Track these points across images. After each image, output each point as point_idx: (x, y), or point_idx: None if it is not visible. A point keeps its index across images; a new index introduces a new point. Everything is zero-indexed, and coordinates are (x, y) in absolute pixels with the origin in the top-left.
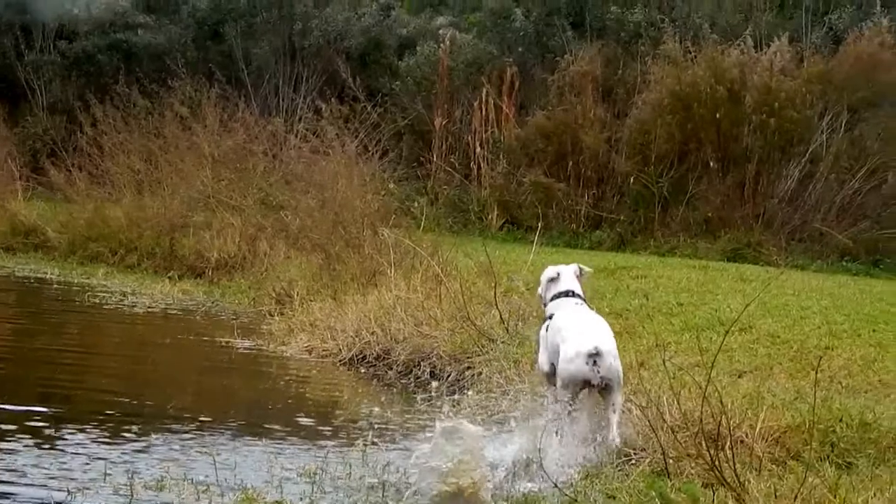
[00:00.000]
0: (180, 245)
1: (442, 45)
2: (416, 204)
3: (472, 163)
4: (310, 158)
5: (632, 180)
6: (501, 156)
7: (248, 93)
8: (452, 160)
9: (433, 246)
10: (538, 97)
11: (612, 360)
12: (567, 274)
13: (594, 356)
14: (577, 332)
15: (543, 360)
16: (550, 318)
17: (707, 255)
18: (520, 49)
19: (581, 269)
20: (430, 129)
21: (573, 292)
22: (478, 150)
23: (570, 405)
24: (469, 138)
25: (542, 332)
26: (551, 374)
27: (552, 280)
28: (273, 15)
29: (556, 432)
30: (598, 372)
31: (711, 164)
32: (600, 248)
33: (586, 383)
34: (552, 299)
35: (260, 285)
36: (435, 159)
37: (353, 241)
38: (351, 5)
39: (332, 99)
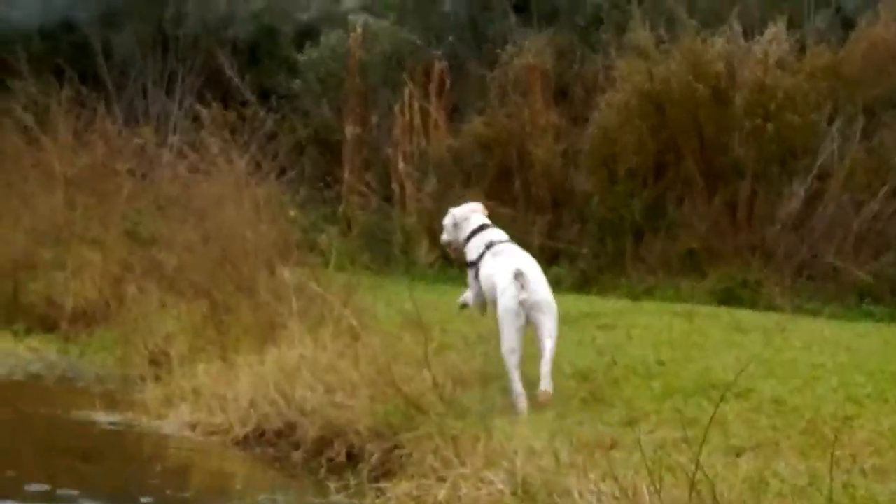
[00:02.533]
0: (26, 290)
1: (352, 33)
2: (323, 235)
3: (393, 182)
4: (188, 179)
5: (595, 202)
6: (430, 173)
7: (110, 96)
8: (368, 178)
9: (346, 290)
10: (475, 99)
11: (540, 281)
12: (471, 213)
13: (518, 276)
14: (503, 268)
15: (472, 296)
16: (475, 264)
17: (693, 296)
18: (450, 38)
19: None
20: (339, 139)
21: (486, 225)
22: (401, 165)
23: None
24: (389, 151)
25: (471, 279)
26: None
27: (457, 225)
28: None
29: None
30: (524, 289)
31: (694, 181)
32: (559, 289)
33: (521, 308)
34: (467, 240)
35: (128, 341)
36: (346, 177)
37: (244, 283)
38: None
39: (215, 103)
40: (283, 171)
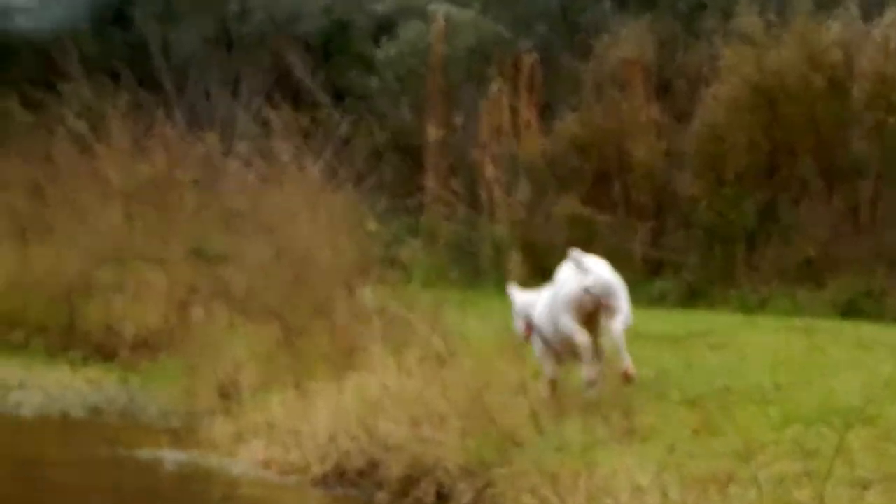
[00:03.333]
0: (82, 315)
1: (433, 25)
2: (406, 248)
3: (481, 188)
4: (257, 189)
5: (702, 207)
6: (522, 177)
7: (170, 99)
8: (454, 185)
9: (432, 309)
10: (568, 95)
11: (602, 266)
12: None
13: (576, 261)
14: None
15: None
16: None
17: (811, 309)
18: (540, 29)
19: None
20: (420, 143)
21: None
22: (489, 170)
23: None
24: (476, 154)
25: (534, 337)
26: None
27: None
28: None
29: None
30: (589, 274)
31: (811, 181)
32: (663, 304)
33: (585, 300)
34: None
35: (195, 370)
36: (430, 185)
37: (320, 304)
38: None
39: (285, 105)
40: (360, 179)
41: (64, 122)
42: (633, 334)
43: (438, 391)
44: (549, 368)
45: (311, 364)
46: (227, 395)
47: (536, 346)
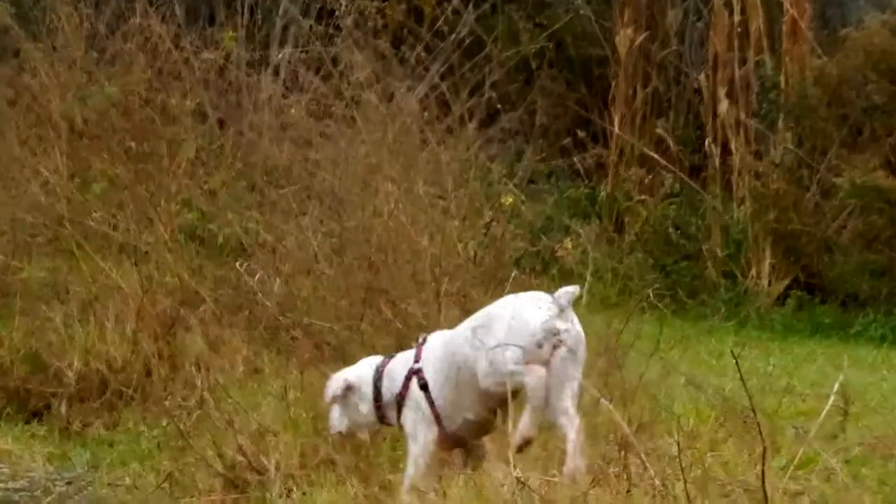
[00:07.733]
0: None
1: None
2: (568, 240)
3: (707, 139)
4: (307, 131)
5: None
6: (781, 123)
7: None
8: (660, 131)
9: (609, 349)
10: None
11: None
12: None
13: (564, 302)
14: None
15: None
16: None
17: None
18: None
19: None
20: (603, 54)
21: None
22: (723, 106)
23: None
24: (701, 79)
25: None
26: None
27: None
28: None
29: None
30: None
31: None
32: None
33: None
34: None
35: (186, 440)
36: (617, 128)
37: (413, 334)
38: None
39: None
40: (493, 118)
41: None
42: None
43: (619, 498)
44: (423, 443)
45: (391, 437)
46: (241, 487)
47: (409, 416)
